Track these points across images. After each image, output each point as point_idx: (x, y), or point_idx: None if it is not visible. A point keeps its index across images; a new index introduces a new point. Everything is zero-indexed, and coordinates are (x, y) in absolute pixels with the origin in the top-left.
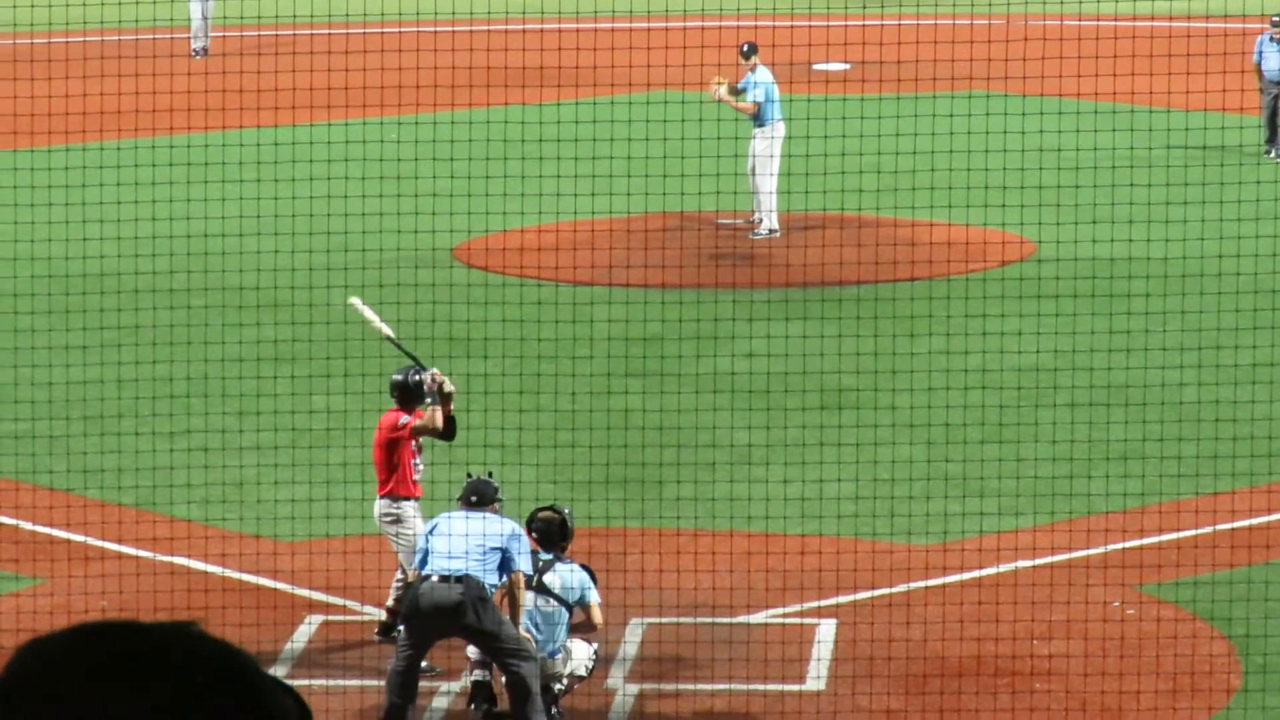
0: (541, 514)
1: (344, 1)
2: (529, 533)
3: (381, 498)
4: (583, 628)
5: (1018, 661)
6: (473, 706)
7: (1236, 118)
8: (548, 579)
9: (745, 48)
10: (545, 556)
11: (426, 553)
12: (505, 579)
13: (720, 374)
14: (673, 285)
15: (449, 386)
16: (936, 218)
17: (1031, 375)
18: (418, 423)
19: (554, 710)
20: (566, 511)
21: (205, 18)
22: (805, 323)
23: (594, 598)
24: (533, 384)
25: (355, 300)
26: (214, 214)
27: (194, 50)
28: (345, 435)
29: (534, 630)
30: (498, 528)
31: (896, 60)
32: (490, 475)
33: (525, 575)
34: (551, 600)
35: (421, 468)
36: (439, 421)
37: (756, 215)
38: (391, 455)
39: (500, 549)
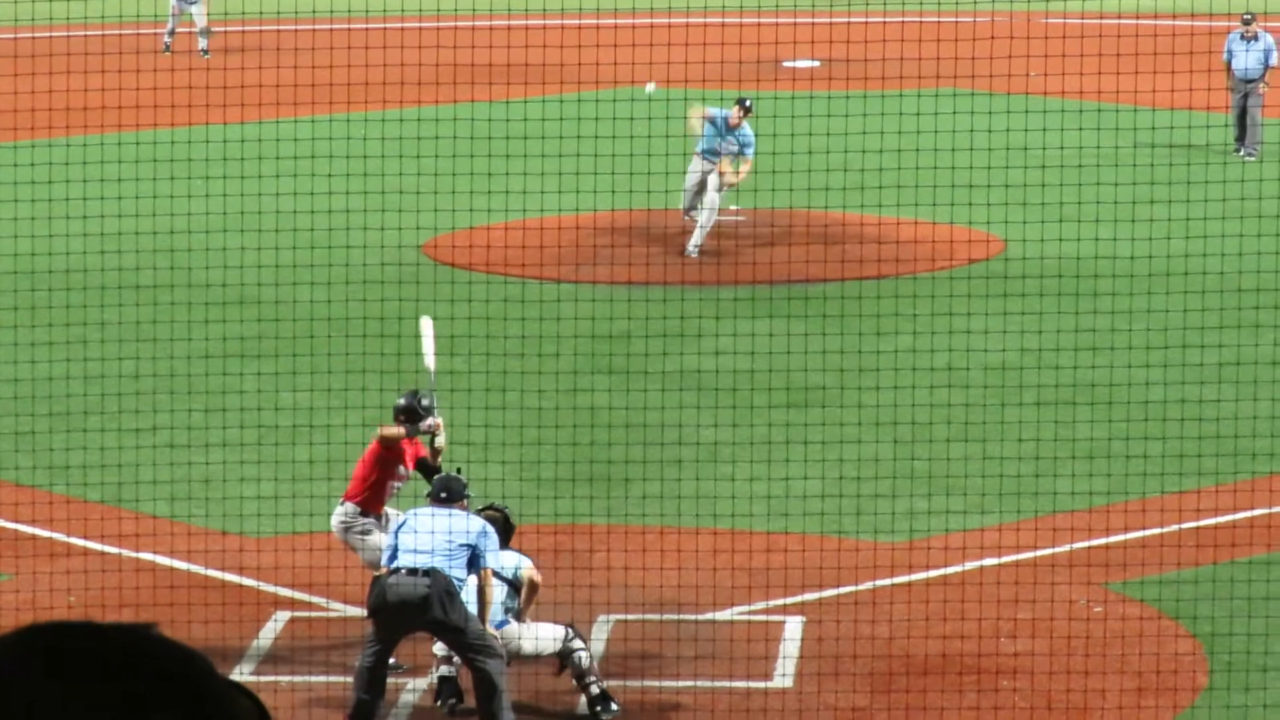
0: (483, 514)
1: None
2: None
3: (345, 503)
4: (530, 600)
5: (984, 660)
6: (439, 702)
7: (1205, 116)
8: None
9: (748, 103)
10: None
11: (395, 549)
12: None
13: (688, 371)
14: (641, 282)
15: (440, 441)
16: (905, 215)
17: (999, 373)
18: (387, 431)
19: (594, 689)
20: (507, 510)
21: (176, 15)
22: (773, 320)
23: (527, 566)
24: (500, 381)
25: (426, 321)
26: (182, 210)
27: (164, 45)
28: (313, 432)
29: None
30: (465, 524)
31: (865, 58)
32: (459, 472)
33: (494, 571)
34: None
35: (397, 490)
36: (398, 433)
37: (698, 231)
38: (374, 471)
39: (469, 545)
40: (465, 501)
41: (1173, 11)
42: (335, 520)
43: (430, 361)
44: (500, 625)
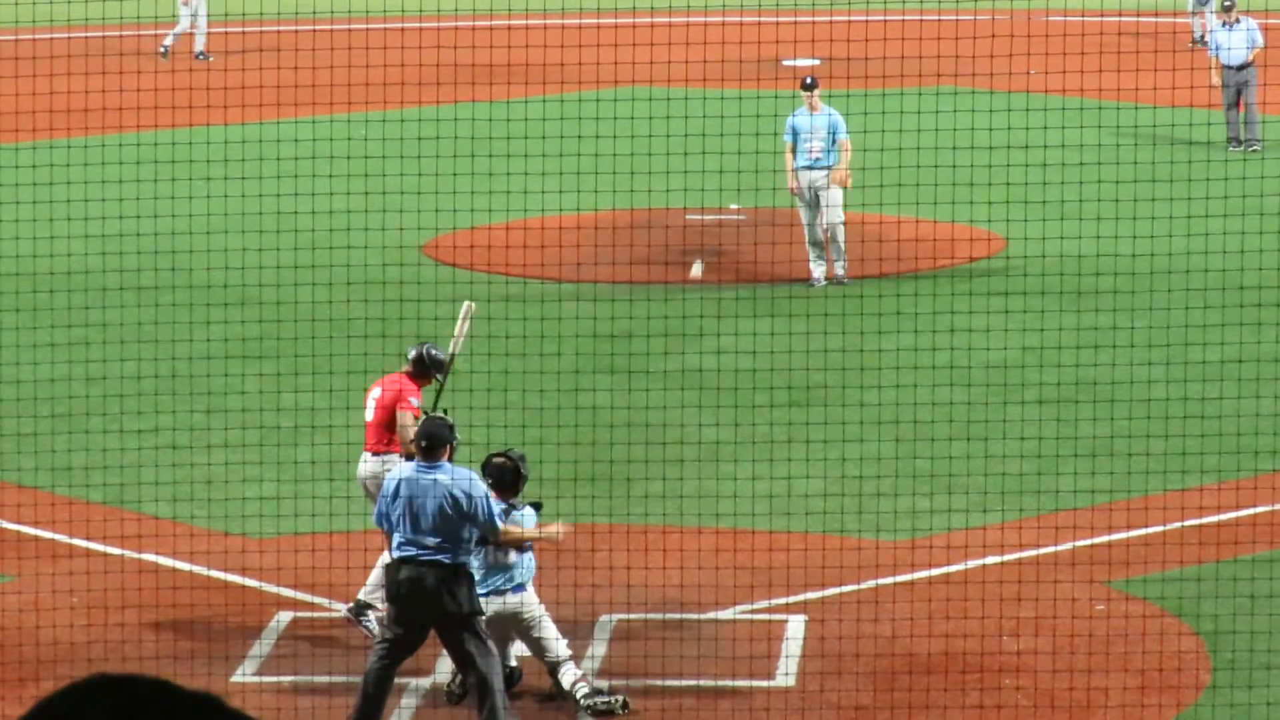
0: (494, 459)
1: None
2: (483, 477)
3: (374, 455)
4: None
5: (987, 658)
6: (450, 687)
7: (1205, 113)
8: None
9: (809, 80)
10: (499, 507)
11: (388, 519)
12: (483, 553)
13: (690, 371)
14: (642, 282)
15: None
16: (906, 214)
17: (1000, 372)
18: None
19: (582, 689)
20: (520, 458)
21: (194, 15)
22: (774, 319)
23: (529, 526)
24: (502, 381)
25: (470, 304)
26: (183, 211)
27: (161, 49)
28: (314, 433)
29: (490, 581)
30: (464, 492)
31: (865, 57)
32: (445, 413)
33: (498, 525)
34: (511, 551)
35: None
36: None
37: (839, 263)
38: (393, 421)
39: (468, 522)
40: (451, 447)
41: (1173, 9)
42: (363, 477)
43: (456, 346)
44: (516, 590)
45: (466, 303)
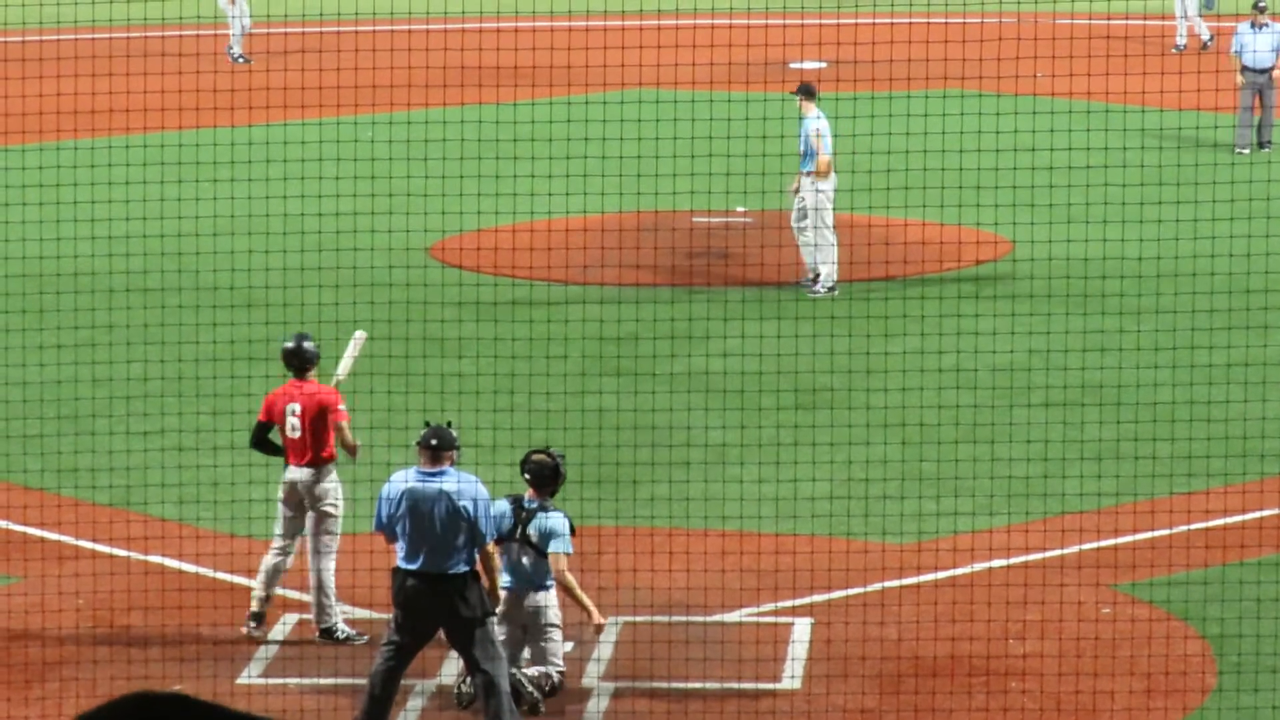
0: (535, 456)
1: (318, 2)
2: (522, 473)
3: (303, 466)
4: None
5: (993, 661)
6: (459, 690)
7: (1212, 116)
8: (530, 529)
9: (804, 86)
10: (530, 504)
11: (401, 537)
12: (507, 552)
13: (696, 373)
14: (648, 284)
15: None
16: (912, 216)
17: (1007, 374)
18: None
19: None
20: (560, 457)
21: (240, 16)
22: (780, 322)
23: (559, 546)
24: (508, 383)
25: (362, 334)
26: (189, 213)
27: (240, 57)
28: None
29: (514, 578)
30: (470, 498)
31: (872, 60)
32: (450, 424)
33: (495, 538)
34: (530, 550)
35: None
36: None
37: (816, 269)
38: (326, 427)
39: (470, 530)
40: (456, 452)
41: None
42: (303, 488)
43: (341, 373)
44: (541, 589)
45: (359, 332)
